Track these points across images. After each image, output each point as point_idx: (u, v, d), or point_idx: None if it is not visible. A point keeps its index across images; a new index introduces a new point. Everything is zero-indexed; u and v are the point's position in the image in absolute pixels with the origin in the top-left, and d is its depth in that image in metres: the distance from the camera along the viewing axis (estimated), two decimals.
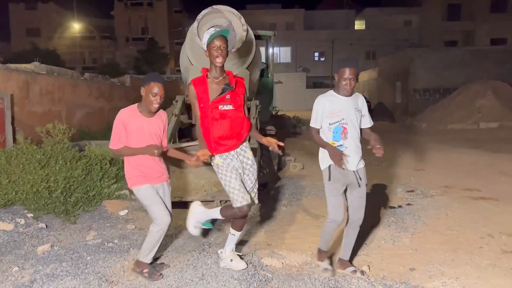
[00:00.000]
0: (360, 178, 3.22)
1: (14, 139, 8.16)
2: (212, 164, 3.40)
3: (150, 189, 3.30)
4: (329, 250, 3.48)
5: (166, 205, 3.37)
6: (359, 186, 3.22)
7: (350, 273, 3.30)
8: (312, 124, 3.31)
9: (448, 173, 7.01)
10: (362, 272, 3.31)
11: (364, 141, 3.32)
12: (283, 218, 4.96)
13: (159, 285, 3.22)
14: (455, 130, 14.82)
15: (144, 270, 3.33)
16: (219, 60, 3.20)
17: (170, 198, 3.50)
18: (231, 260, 3.42)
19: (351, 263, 3.43)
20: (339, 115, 3.19)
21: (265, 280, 3.26)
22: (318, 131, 3.30)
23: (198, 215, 3.47)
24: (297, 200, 5.70)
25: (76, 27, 40.32)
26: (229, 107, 3.29)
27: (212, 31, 3.23)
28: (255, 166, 3.47)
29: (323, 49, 39.06)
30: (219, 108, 3.26)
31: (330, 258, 3.49)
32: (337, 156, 3.10)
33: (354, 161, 3.20)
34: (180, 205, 5.39)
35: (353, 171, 3.20)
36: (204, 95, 3.28)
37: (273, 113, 13.41)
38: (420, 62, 21.11)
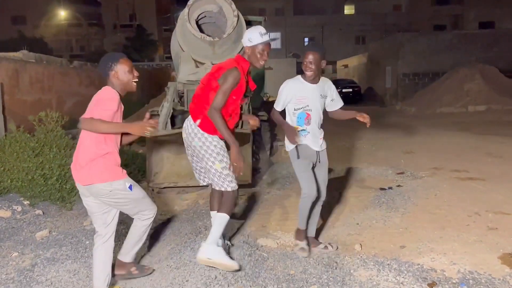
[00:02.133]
0: (319, 158, 3.44)
1: (6, 128, 8.13)
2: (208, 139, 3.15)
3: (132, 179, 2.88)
4: (305, 229, 3.53)
5: None
6: (319, 164, 3.45)
7: (323, 249, 3.48)
8: (275, 106, 3.48)
9: (437, 155, 7.15)
10: (332, 245, 3.50)
11: (338, 123, 3.61)
12: (276, 201, 5.06)
13: (158, 266, 3.31)
14: (444, 114, 15.01)
15: (132, 269, 3.06)
16: (262, 63, 3.23)
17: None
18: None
19: (318, 239, 3.62)
20: (304, 102, 3.37)
21: (261, 259, 3.37)
22: (276, 112, 3.47)
23: (215, 251, 3.09)
24: (290, 183, 5.80)
25: (62, 14, 39.75)
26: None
27: (266, 36, 3.16)
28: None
29: (313, 34, 38.93)
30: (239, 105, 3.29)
31: (307, 238, 3.54)
32: (292, 133, 3.29)
33: (317, 142, 3.42)
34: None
35: (316, 151, 3.41)
36: (244, 86, 3.22)
37: (265, 99, 13.45)
38: (409, 47, 21.21)
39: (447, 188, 5.14)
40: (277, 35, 38.89)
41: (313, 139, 3.40)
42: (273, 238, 3.78)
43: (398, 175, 5.99)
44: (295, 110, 3.39)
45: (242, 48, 6.35)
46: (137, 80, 2.86)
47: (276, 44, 39.12)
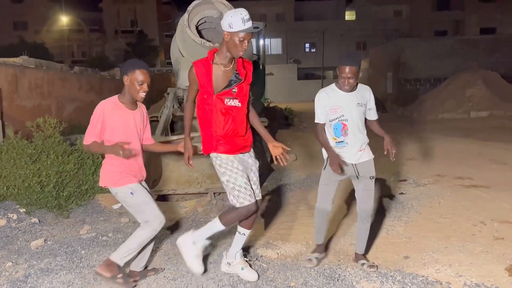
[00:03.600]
0: (358, 171, 3.22)
1: (4, 134, 8.06)
2: (210, 155, 3.03)
3: (140, 187, 2.99)
4: (323, 243, 3.45)
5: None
6: (358, 178, 3.24)
7: (360, 265, 3.29)
8: (316, 120, 3.27)
9: (440, 162, 7.05)
10: (371, 266, 3.24)
11: (370, 133, 3.33)
12: (277, 209, 4.97)
13: (154, 277, 3.21)
14: (446, 120, 14.92)
15: (118, 276, 2.91)
16: (241, 53, 2.87)
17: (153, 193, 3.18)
18: (242, 269, 3.13)
19: (365, 257, 3.40)
20: (339, 112, 3.17)
21: (261, 271, 3.28)
22: (323, 126, 3.26)
23: (191, 246, 3.02)
24: (291, 191, 5.71)
25: (64, 20, 39.80)
26: (236, 102, 2.93)
27: (249, 23, 2.79)
28: (257, 161, 3.20)
29: (314, 40, 38.96)
30: (225, 102, 2.91)
31: (326, 249, 3.46)
32: (335, 163, 3.12)
33: (354, 155, 3.21)
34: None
35: (352, 164, 3.21)
36: (207, 83, 2.89)
37: (265, 105, 13.39)
38: (411, 52, 21.15)
39: (451, 196, 5.04)
40: (278, 41, 38.98)
41: (350, 150, 3.20)
42: (273, 248, 3.68)
43: (401, 182, 5.89)
44: (330, 121, 3.21)
45: None
46: (144, 93, 2.95)
47: (277, 50, 39.21)
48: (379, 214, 4.54)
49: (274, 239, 3.94)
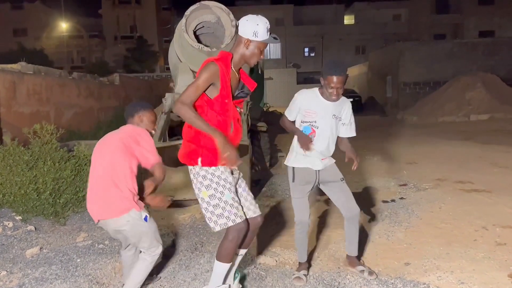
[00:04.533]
0: (319, 178, 3.16)
1: (1, 141, 8.02)
2: (195, 170, 2.60)
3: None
4: (306, 260, 3.33)
5: None
6: (319, 184, 3.20)
7: (359, 272, 3.20)
8: (286, 113, 3.24)
9: (440, 166, 7.00)
10: (371, 273, 3.16)
11: (339, 153, 3.26)
12: (276, 214, 4.91)
13: (151, 286, 3.16)
14: (446, 123, 14.88)
15: None
16: (254, 62, 2.70)
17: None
18: None
19: (360, 260, 3.34)
20: (312, 117, 3.10)
21: (259, 278, 3.22)
22: (287, 119, 3.24)
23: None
24: (289, 196, 5.65)
25: (63, 26, 39.91)
26: (239, 111, 2.71)
27: (271, 38, 2.64)
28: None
29: (313, 44, 39.03)
30: (238, 110, 2.67)
31: (308, 267, 3.36)
32: (305, 139, 3.06)
33: (312, 163, 3.14)
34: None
35: (316, 170, 3.15)
36: (228, 87, 2.56)
37: (264, 109, 13.36)
38: (410, 56, 21.16)
39: (451, 201, 4.99)
40: (277, 45, 39.02)
41: (313, 157, 3.12)
42: (271, 255, 3.63)
43: (401, 186, 5.84)
44: (302, 122, 3.15)
45: (232, 39, 6.13)
46: (153, 132, 3.04)
47: (276, 54, 39.26)
48: (380, 220, 4.48)
49: (273, 246, 3.88)
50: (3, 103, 8.81)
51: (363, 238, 3.98)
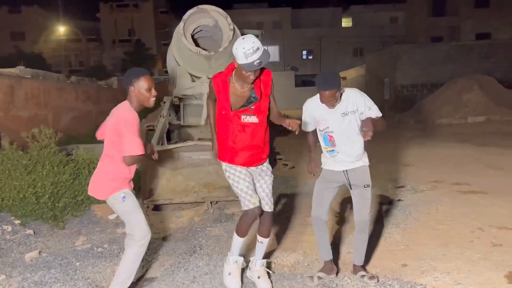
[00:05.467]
0: (349, 179, 3.16)
1: (0, 145, 8.02)
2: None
3: (132, 195, 2.97)
4: (331, 258, 3.31)
5: None
6: (350, 187, 3.19)
7: (359, 277, 3.19)
8: (303, 128, 3.25)
9: (437, 168, 7.04)
10: (371, 277, 3.14)
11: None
12: (274, 217, 4.90)
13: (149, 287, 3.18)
14: (443, 125, 14.94)
15: None
16: (250, 82, 2.88)
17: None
18: (258, 277, 3.15)
19: (364, 269, 3.30)
20: (324, 124, 3.14)
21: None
22: (310, 134, 3.29)
23: (225, 267, 3.21)
24: (288, 199, 5.68)
25: (61, 30, 39.86)
26: (253, 119, 2.95)
27: (253, 57, 2.70)
28: (271, 173, 3.20)
29: (311, 47, 39.15)
30: (242, 119, 2.95)
31: (333, 269, 3.31)
32: (310, 164, 3.31)
33: (345, 163, 3.15)
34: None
35: (343, 170, 3.16)
36: (225, 100, 2.94)
37: None
38: (407, 58, 21.23)
39: (448, 202, 5.02)
40: (275, 48, 39.08)
41: (343, 159, 3.13)
42: (270, 258, 3.64)
43: (398, 188, 5.88)
44: (320, 130, 3.19)
45: (230, 42, 6.21)
46: (154, 99, 2.94)
47: (274, 57, 39.29)
48: (377, 222, 4.51)
49: (271, 248, 3.90)
50: (1, 107, 8.82)
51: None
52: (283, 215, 4.97)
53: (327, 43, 37.77)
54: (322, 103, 3.05)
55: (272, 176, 3.21)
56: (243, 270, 3.26)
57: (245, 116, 2.94)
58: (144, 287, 3.19)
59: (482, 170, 6.71)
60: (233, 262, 3.17)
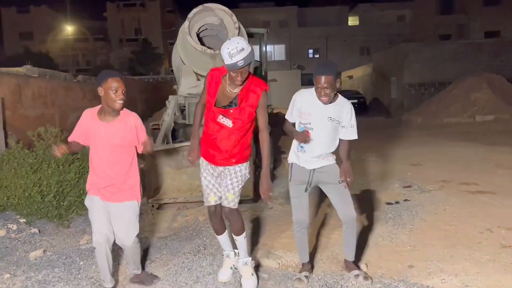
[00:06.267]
0: (312, 179, 3.13)
1: (6, 144, 8.06)
2: None
3: (92, 202, 2.98)
4: (308, 260, 3.33)
5: (105, 225, 2.97)
6: (308, 187, 3.16)
7: (353, 277, 3.16)
8: (286, 116, 3.24)
9: (445, 167, 6.96)
10: (366, 277, 3.12)
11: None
12: (279, 217, 4.90)
13: (153, 287, 3.16)
14: (451, 124, 14.79)
15: None
16: (238, 83, 2.89)
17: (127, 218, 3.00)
18: (240, 277, 3.19)
19: (356, 265, 3.28)
20: (307, 118, 3.07)
21: (262, 281, 3.21)
22: (290, 124, 3.23)
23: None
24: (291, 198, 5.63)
25: (69, 29, 40.06)
26: (228, 122, 2.96)
27: (237, 57, 2.72)
28: (238, 172, 3.13)
29: (317, 46, 39.00)
30: (218, 118, 2.99)
31: (311, 268, 3.35)
32: (302, 135, 3.06)
33: (309, 162, 3.12)
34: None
35: (310, 169, 3.13)
36: (212, 94, 2.99)
37: (268, 111, 13.34)
38: (414, 57, 21.07)
39: (456, 202, 4.96)
40: (281, 47, 39.00)
41: (308, 157, 3.11)
42: (274, 258, 3.61)
43: (405, 188, 5.81)
44: (300, 123, 3.14)
45: None
46: (121, 101, 2.87)
47: (280, 56, 39.24)
48: (383, 222, 4.46)
49: (276, 249, 3.86)
50: (8, 106, 8.85)
51: (365, 240, 3.97)
52: (287, 215, 4.92)
53: (334, 41, 37.63)
54: (316, 92, 2.98)
55: (241, 179, 3.12)
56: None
57: (221, 117, 2.98)
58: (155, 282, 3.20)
59: (491, 169, 6.62)
60: (225, 256, 3.34)
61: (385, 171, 6.96)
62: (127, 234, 3.01)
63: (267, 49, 10.84)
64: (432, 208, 4.78)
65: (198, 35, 6.05)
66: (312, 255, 3.63)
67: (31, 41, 38.93)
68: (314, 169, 3.13)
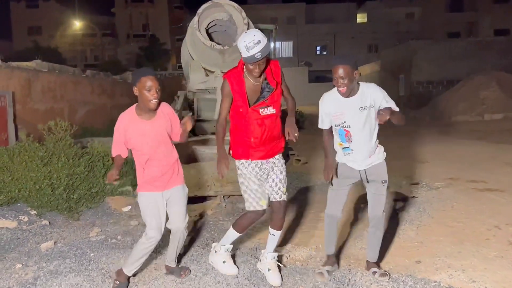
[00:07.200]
0: (367, 176, 3.10)
1: (17, 137, 8.16)
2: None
3: (150, 198, 3.02)
4: (334, 253, 3.34)
5: (164, 217, 3.05)
6: (368, 182, 3.14)
7: (371, 274, 3.16)
8: (319, 126, 3.18)
9: (453, 165, 6.95)
10: (383, 274, 3.10)
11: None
12: (287, 212, 4.90)
13: (162, 280, 3.20)
14: (459, 122, 14.72)
15: (116, 282, 3.07)
16: (256, 75, 2.91)
17: (185, 205, 3.16)
18: (268, 270, 3.13)
19: (378, 265, 3.26)
20: (341, 118, 3.02)
21: None
22: (327, 131, 3.16)
23: (215, 257, 3.31)
24: (301, 194, 5.67)
25: (77, 24, 40.30)
26: (270, 110, 2.98)
27: (254, 50, 2.74)
28: (283, 162, 3.20)
29: (325, 42, 38.84)
30: (261, 113, 2.97)
31: (338, 260, 3.37)
32: (327, 171, 3.12)
33: (362, 162, 3.08)
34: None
35: (360, 170, 3.09)
36: (241, 96, 2.96)
37: None
38: (423, 54, 20.95)
39: (464, 200, 4.95)
40: (289, 44, 38.90)
41: (357, 157, 3.05)
42: (283, 252, 3.64)
43: (413, 185, 5.81)
44: (335, 126, 3.07)
45: None
46: (155, 100, 2.88)
47: (287, 53, 39.14)
48: (391, 218, 4.47)
49: (284, 243, 3.89)
50: (18, 100, 8.95)
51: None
52: (296, 210, 4.95)
53: (342, 38, 37.44)
54: (334, 83, 2.94)
55: (284, 165, 3.21)
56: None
57: (263, 109, 2.97)
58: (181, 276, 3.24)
59: (500, 167, 6.60)
60: (225, 250, 3.29)
61: (393, 168, 6.91)
62: (183, 216, 3.12)
63: (275, 46, 10.81)
64: (439, 205, 4.78)
65: (207, 30, 6.08)
66: (319, 250, 3.65)
67: (40, 36, 39.14)
68: (364, 169, 3.08)
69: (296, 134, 3.00)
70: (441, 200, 4.97)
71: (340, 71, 2.87)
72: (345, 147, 3.08)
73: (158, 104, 2.94)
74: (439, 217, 4.39)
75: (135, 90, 2.89)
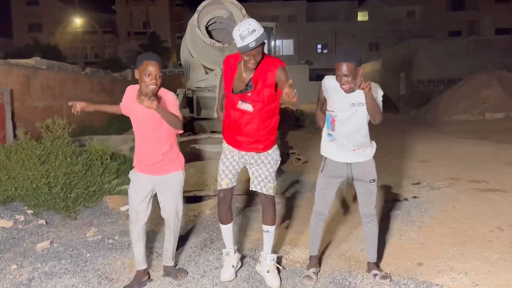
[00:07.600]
0: (352, 173, 3.05)
1: (15, 135, 8.09)
2: None
3: (134, 178, 3.04)
4: (317, 255, 3.30)
5: (148, 204, 3.03)
6: (353, 180, 3.10)
7: (372, 276, 3.11)
8: (319, 95, 3.19)
9: (454, 165, 6.88)
10: (384, 277, 3.05)
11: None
12: (286, 212, 4.86)
13: (159, 282, 3.14)
14: (460, 121, 14.65)
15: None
16: (251, 66, 2.83)
17: (177, 192, 3.08)
18: (267, 272, 3.09)
19: (377, 266, 3.22)
20: (331, 106, 3.01)
21: None
22: (322, 101, 3.14)
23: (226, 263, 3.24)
24: (301, 194, 5.61)
25: (77, 22, 40.13)
26: (247, 106, 2.92)
27: (249, 39, 2.66)
28: (270, 159, 3.09)
29: (326, 41, 38.75)
30: (237, 105, 2.95)
31: (320, 263, 3.34)
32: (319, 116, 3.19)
33: (343, 153, 3.03)
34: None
35: (346, 163, 3.04)
36: (229, 81, 3.00)
37: None
38: (424, 53, 20.85)
39: (466, 200, 4.89)
40: (290, 42, 38.80)
41: (341, 147, 3.01)
42: (281, 253, 3.58)
43: (414, 185, 5.75)
44: (327, 109, 3.06)
45: None
46: (153, 86, 2.82)
47: (288, 51, 39.04)
48: (392, 219, 4.41)
49: (283, 244, 3.84)
50: (17, 97, 8.89)
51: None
52: (296, 211, 4.90)
53: (343, 37, 37.32)
54: (337, 80, 2.86)
55: (274, 165, 3.13)
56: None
57: (241, 102, 2.94)
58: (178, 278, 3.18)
59: (501, 167, 6.53)
60: (225, 254, 3.23)
61: (394, 168, 6.90)
62: (174, 204, 3.08)
63: (276, 44, 10.76)
64: (441, 206, 4.72)
65: (207, 28, 6.02)
66: (321, 251, 3.60)
67: (40, 33, 39.07)
68: (350, 163, 3.03)
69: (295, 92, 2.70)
70: (442, 201, 4.91)
71: (344, 69, 2.78)
72: (328, 134, 3.08)
73: (155, 92, 2.85)
74: (440, 218, 4.33)
75: (136, 73, 2.87)
